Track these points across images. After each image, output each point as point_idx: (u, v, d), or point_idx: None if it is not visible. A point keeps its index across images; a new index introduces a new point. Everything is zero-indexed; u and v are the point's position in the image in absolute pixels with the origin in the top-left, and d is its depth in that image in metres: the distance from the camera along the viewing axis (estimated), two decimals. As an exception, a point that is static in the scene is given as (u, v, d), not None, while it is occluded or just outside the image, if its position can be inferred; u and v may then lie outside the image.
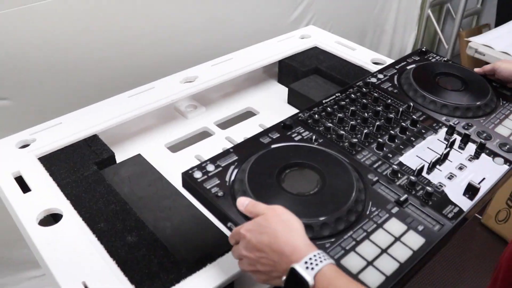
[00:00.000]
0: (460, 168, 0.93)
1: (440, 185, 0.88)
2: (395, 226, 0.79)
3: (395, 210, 0.80)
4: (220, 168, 0.88)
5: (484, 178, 0.90)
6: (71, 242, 0.88)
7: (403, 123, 1.02)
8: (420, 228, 0.78)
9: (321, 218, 0.75)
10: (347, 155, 0.94)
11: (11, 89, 1.46)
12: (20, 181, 1.03)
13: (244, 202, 0.76)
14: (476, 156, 0.97)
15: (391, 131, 0.99)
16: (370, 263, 0.72)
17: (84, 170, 1.06)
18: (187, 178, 0.86)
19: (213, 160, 0.90)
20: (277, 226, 0.68)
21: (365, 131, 0.98)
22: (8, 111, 1.47)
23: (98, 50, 1.58)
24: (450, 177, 0.90)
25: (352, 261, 0.72)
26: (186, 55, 1.79)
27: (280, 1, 2.03)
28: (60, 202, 0.97)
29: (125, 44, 1.63)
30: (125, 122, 1.21)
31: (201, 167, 0.87)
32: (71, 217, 0.93)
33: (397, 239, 0.76)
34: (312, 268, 0.62)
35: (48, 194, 0.99)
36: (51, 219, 0.95)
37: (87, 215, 0.94)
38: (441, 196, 0.85)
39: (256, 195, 0.77)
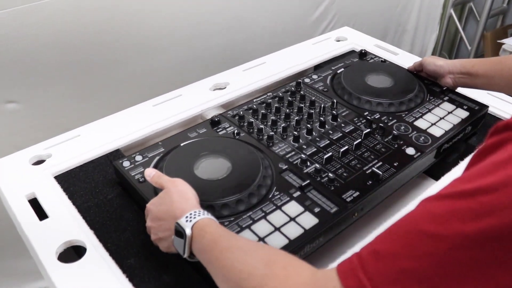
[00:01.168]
0: (370, 157, 0.99)
1: (345, 172, 0.95)
2: (292, 208, 0.86)
3: (296, 194, 0.89)
4: (147, 158, 0.98)
5: (390, 167, 0.97)
6: (96, 280, 0.80)
7: (321, 118, 1.09)
8: (317, 210, 0.85)
9: (222, 200, 0.85)
10: (264, 147, 1.02)
11: (20, 92, 1.39)
12: (35, 203, 0.95)
13: (151, 173, 0.86)
14: (389, 146, 1.02)
15: (308, 125, 1.07)
16: (261, 239, 0.81)
17: (107, 192, 0.98)
18: (117, 166, 0.96)
19: (142, 151, 0.99)
20: (173, 195, 0.78)
21: (283, 125, 1.07)
22: (17, 115, 1.40)
23: (116, 50, 1.51)
24: (358, 165, 0.97)
25: (245, 237, 0.80)
26: (209, 54, 1.78)
27: (302, 0, 2.04)
28: (82, 232, 0.88)
29: (145, 44, 1.58)
30: (150, 135, 1.15)
31: (130, 157, 0.98)
32: (96, 251, 0.84)
33: (292, 219, 0.84)
34: (191, 221, 0.72)
35: (68, 221, 0.90)
36: (72, 250, 0.88)
37: (113, 248, 0.85)
38: (344, 182, 0.92)
39: None
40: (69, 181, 1.01)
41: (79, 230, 0.88)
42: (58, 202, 0.95)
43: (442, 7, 2.79)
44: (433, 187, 1.01)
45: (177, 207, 0.77)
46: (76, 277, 0.80)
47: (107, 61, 1.52)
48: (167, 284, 0.81)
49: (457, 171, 1.05)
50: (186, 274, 0.82)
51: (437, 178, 1.07)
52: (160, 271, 0.82)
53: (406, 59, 1.47)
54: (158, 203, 0.81)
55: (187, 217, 0.74)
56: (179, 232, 0.74)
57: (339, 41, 1.63)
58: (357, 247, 0.87)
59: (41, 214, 0.93)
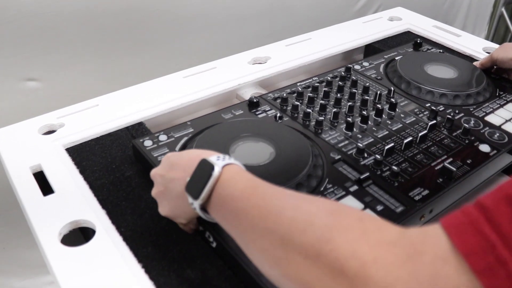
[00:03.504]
0: (438, 152, 0.88)
1: (410, 167, 0.83)
2: (350, 204, 0.74)
3: (353, 188, 0.77)
4: (173, 139, 0.86)
5: (463, 164, 0.84)
6: (105, 268, 0.66)
7: (377, 105, 0.97)
8: (379, 208, 0.73)
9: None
10: (311, 133, 0.91)
11: (41, 69, 1.31)
12: (41, 177, 0.83)
13: None
14: (459, 142, 0.91)
15: (364, 112, 0.95)
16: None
17: (125, 169, 0.84)
18: (137, 146, 0.84)
19: (167, 131, 0.88)
20: (199, 150, 0.66)
21: (334, 110, 0.95)
22: (38, 93, 1.33)
23: (145, 29, 1.44)
24: (424, 160, 0.85)
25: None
26: (244, 40, 1.70)
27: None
28: (92, 212, 0.75)
29: (176, 24, 1.50)
30: (179, 109, 1.04)
31: (153, 136, 0.86)
32: (107, 235, 0.71)
33: (350, 217, 0.73)
34: (224, 159, 0.59)
35: (76, 198, 0.77)
36: (79, 233, 0.77)
37: (128, 233, 0.72)
38: (410, 178, 0.80)
39: None
40: (82, 154, 0.87)
41: (89, 209, 0.75)
42: (67, 176, 0.81)
43: (492, 5, 2.68)
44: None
45: (203, 152, 0.64)
46: (80, 263, 0.67)
47: (135, 39, 1.43)
48: (192, 281, 0.65)
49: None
50: (215, 270, 0.67)
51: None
52: (183, 265, 0.67)
53: (469, 42, 1.35)
54: (180, 153, 0.67)
55: (219, 157, 0.60)
56: (201, 172, 0.59)
57: (392, 20, 1.51)
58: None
59: (46, 189, 0.80)
